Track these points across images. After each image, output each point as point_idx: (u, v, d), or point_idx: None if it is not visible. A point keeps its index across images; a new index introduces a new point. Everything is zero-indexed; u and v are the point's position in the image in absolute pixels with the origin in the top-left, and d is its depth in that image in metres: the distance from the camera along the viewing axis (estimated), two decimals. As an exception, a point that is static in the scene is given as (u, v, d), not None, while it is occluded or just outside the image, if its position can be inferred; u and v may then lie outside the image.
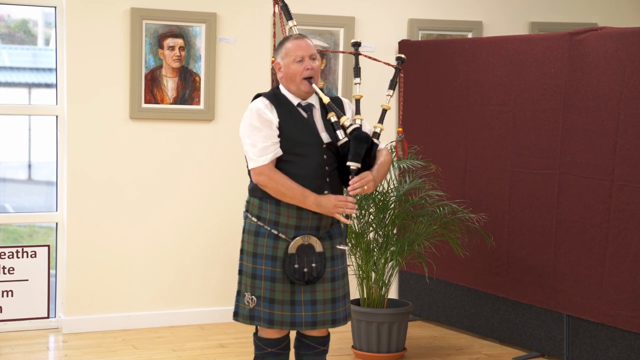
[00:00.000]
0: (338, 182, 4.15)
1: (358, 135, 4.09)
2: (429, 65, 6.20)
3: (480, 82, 5.80)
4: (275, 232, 4.11)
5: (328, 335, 4.34)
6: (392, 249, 5.45)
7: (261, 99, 4.14)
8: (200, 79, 6.03)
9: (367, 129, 4.23)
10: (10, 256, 5.79)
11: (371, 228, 5.53)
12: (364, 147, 4.09)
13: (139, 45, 5.86)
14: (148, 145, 5.99)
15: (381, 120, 4.29)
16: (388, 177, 5.51)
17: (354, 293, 5.75)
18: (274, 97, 4.14)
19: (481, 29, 6.64)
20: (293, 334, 4.37)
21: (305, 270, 4.09)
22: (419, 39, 6.49)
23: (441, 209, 5.50)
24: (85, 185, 5.86)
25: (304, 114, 4.14)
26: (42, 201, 6.10)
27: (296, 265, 4.08)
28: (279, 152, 4.06)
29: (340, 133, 4.12)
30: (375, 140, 4.19)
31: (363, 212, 5.49)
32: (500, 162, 5.66)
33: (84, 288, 5.90)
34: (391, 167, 5.18)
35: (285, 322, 4.12)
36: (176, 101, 6.00)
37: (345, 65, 6.34)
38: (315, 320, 4.13)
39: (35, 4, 5.86)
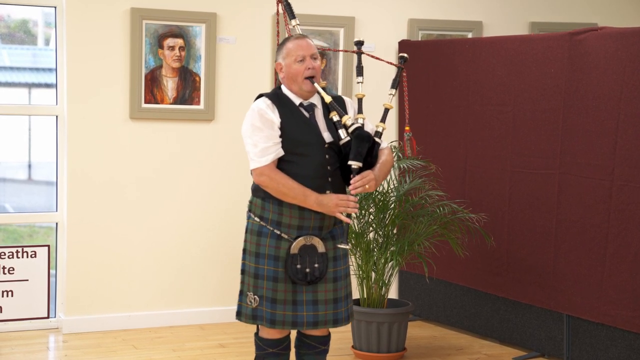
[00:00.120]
0: (340, 181, 4.15)
1: (360, 134, 4.09)
2: (429, 65, 6.20)
3: (480, 82, 5.80)
4: (278, 232, 4.11)
5: (329, 335, 4.34)
6: (392, 249, 5.45)
7: (263, 99, 4.13)
8: (200, 79, 6.03)
9: (369, 128, 4.23)
10: (10, 256, 5.79)
11: (371, 228, 5.53)
12: (365, 146, 4.09)
13: (139, 45, 5.85)
14: (148, 145, 5.99)
15: (383, 120, 4.29)
16: (388, 177, 5.51)
17: (354, 293, 5.75)
18: (276, 97, 4.13)
19: (481, 29, 6.64)
20: (293, 334, 4.37)
21: (308, 270, 4.09)
22: (419, 39, 6.49)
23: (441, 209, 5.50)
24: (85, 185, 5.86)
25: (306, 114, 4.14)
26: (42, 201, 6.10)
27: (298, 266, 4.08)
28: (281, 153, 4.06)
29: (342, 132, 4.12)
30: (377, 140, 4.19)
31: (363, 212, 5.49)
32: (500, 162, 5.66)
33: (84, 288, 5.89)
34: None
35: (287, 322, 4.12)
36: (176, 101, 6.00)
37: (345, 65, 6.34)
38: (317, 320, 4.13)
39: (35, 4, 5.85)
